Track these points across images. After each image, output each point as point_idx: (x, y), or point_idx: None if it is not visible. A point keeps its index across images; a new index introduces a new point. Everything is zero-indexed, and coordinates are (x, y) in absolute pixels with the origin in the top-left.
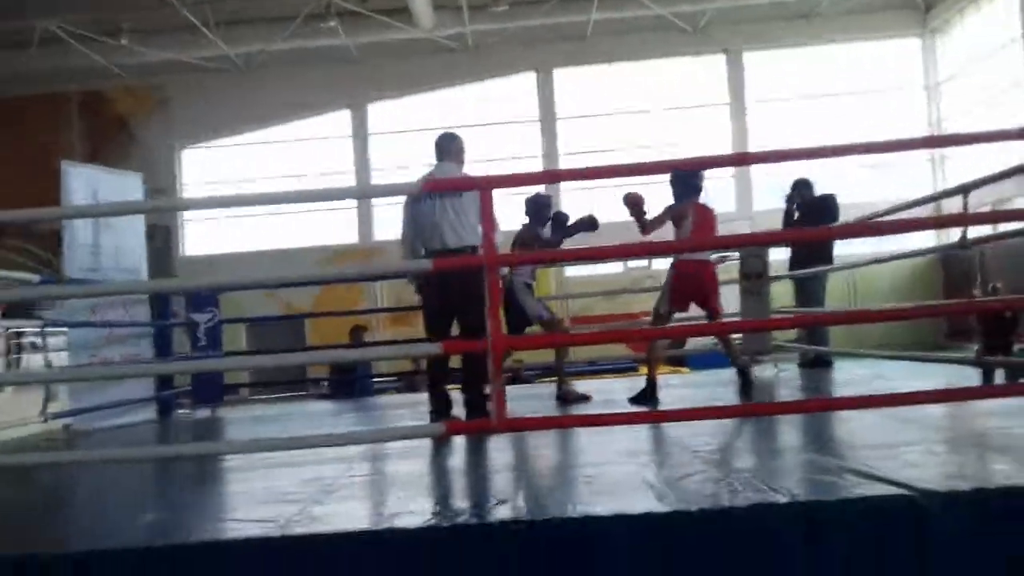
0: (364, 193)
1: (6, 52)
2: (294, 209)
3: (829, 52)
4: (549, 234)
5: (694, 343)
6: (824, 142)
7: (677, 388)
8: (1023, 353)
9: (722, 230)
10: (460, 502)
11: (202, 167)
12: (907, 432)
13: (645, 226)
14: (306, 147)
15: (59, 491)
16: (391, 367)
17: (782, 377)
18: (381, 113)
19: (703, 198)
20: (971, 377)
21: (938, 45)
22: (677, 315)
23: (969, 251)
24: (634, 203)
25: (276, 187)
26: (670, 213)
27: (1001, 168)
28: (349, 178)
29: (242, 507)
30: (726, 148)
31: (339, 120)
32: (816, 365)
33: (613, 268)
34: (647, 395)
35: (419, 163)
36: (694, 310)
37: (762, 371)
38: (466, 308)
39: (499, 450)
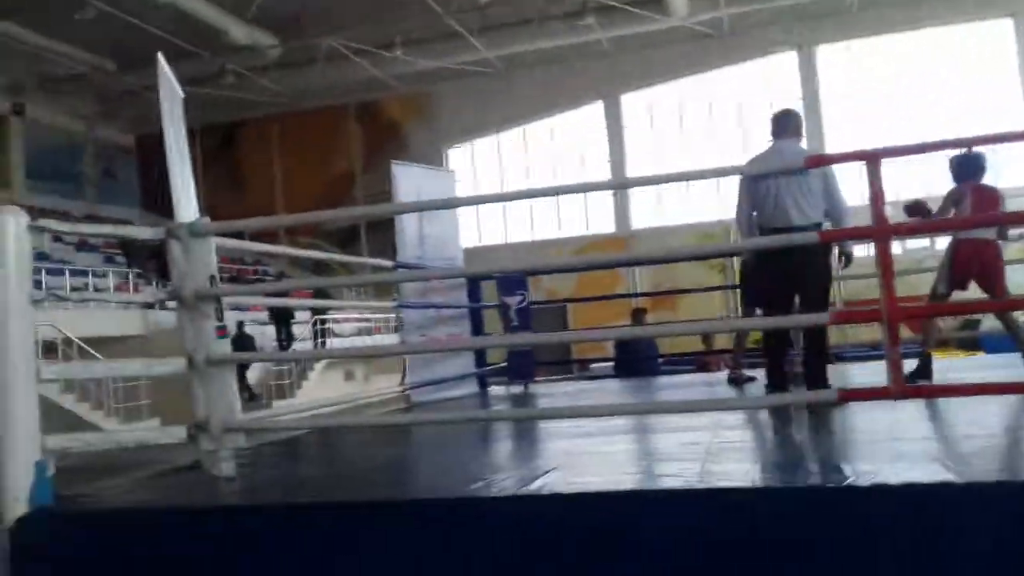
0: (688, 176)
1: (294, 70)
2: (550, 202)
3: None
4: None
5: (991, 325)
6: None
7: (969, 370)
8: None
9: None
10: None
11: (467, 164)
12: None
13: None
14: (561, 141)
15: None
16: (671, 349)
17: None
18: (634, 103)
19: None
20: None
21: None
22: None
23: None
24: (917, 212)
25: (534, 181)
26: (950, 200)
27: None
28: (604, 170)
29: (651, 462)
30: (1018, 118)
31: (593, 113)
32: None
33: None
34: (921, 373)
35: (672, 152)
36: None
37: None
38: (810, 283)
39: (848, 421)
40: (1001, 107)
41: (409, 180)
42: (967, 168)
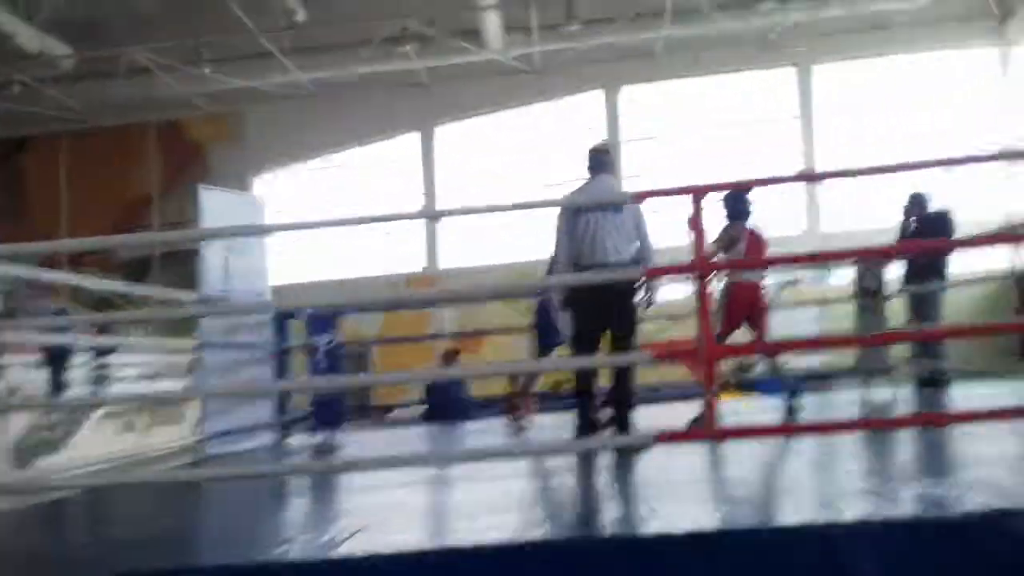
0: (518, 206)
1: (90, 83)
2: (361, 237)
3: (902, 63)
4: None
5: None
6: (900, 156)
7: (754, 413)
8: None
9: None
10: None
11: (275, 193)
12: None
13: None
14: (376, 171)
15: (187, 507)
16: (483, 391)
17: (899, 396)
18: (448, 136)
19: (751, 223)
20: None
21: (1014, 55)
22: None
23: None
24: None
25: (346, 212)
26: (725, 237)
27: None
28: (417, 202)
29: (464, 516)
30: (796, 162)
31: (408, 144)
32: (932, 384)
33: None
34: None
35: (485, 185)
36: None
37: (879, 391)
38: (624, 321)
39: (648, 464)
40: (785, 150)
41: (216, 206)
42: (742, 208)
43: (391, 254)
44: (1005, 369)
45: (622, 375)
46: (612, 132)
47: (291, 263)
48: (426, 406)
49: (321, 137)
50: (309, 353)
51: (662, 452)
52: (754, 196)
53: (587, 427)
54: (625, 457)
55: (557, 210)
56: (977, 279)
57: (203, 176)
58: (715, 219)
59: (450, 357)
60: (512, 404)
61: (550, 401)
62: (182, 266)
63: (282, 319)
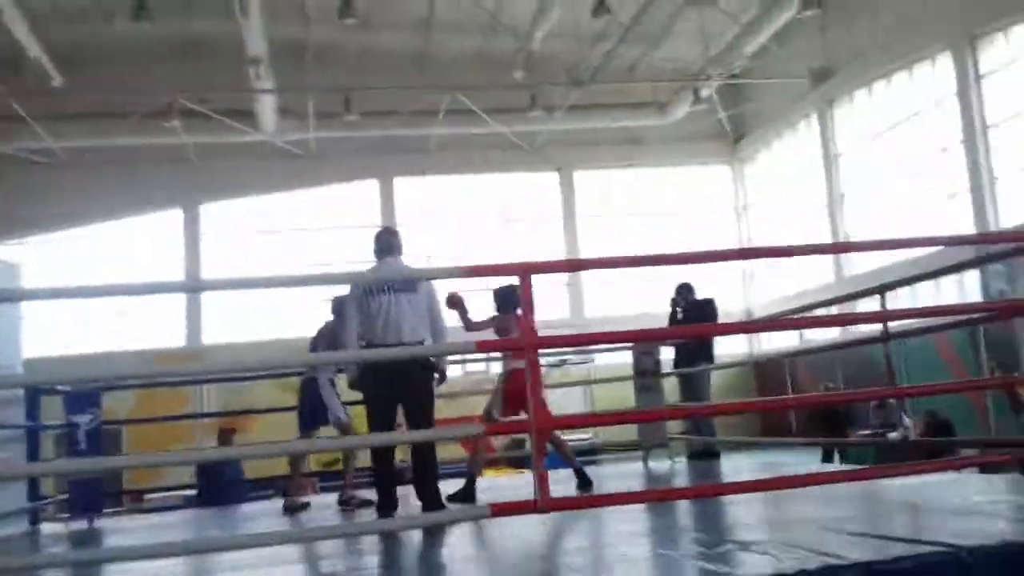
0: (305, 281)
1: None
2: (119, 311)
3: (653, 174)
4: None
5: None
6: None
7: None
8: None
9: (555, 332)
10: None
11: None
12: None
13: (469, 324)
14: (135, 246)
15: None
16: (257, 472)
17: (678, 468)
18: (215, 214)
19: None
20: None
21: (746, 172)
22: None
23: (779, 359)
24: (455, 303)
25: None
26: (495, 323)
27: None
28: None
29: None
30: (560, 256)
31: (171, 219)
32: (704, 456)
33: (451, 371)
34: (464, 495)
35: (252, 264)
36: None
37: (659, 462)
38: (417, 398)
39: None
40: (549, 245)
41: None
42: (512, 299)
43: (146, 329)
44: (754, 442)
45: (423, 453)
46: (387, 221)
47: (37, 334)
48: (196, 489)
49: (74, 207)
50: (68, 433)
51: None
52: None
53: (389, 505)
54: (432, 535)
55: (343, 291)
56: (725, 364)
57: None
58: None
59: (225, 436)
60: (289, 485)
61: (327, 480)
62: None
63: (36, 395)
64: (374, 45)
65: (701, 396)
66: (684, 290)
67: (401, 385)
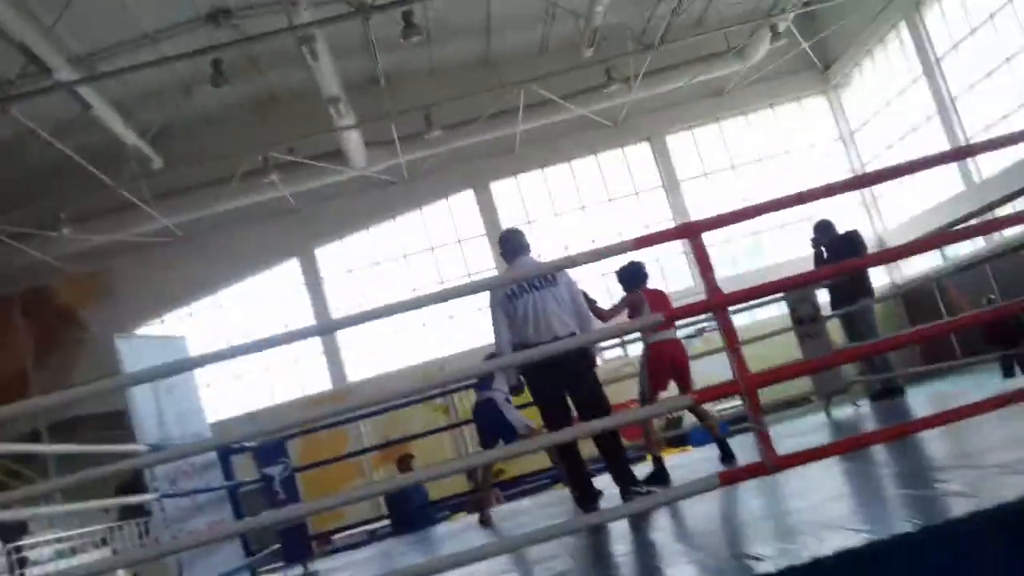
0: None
1: None
2: (264, 366)
3: (744, 121)
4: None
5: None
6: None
7: (697, 463)
8: None
9: (681, 303)
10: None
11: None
12: None
13: (601, 314)
14: (261, 302)
15: None
16: (438, 493)
17: (861, 412)
18: (329, 255)
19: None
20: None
21: (843, 98)
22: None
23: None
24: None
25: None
26: (625, 303)
27: None
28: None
29: None
30: (667, 226)
31: (289, 270)
32: (887, 395)
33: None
34: (658, 477)
35: (373, 296)
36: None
37: (840, 410)
38: (587, 388)
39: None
40: (655, 217)
41: (137, 353)
42: (636, 276)
43: (295, 379)
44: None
45: (608, 438)
46: (490, 227)
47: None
48: (390, 518)
49: (195, 278)
50: (265, 486)
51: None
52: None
53: (588, 496)
54: (639, 520)
55: (486, 302)
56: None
57: (79, 339)
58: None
59: (405, 463)
60: (482, 500)
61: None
62: (71, 433)
63: (227, 456)
64: (442, 58)
65: (869, 334)
66: (824, 228)
67: (569, 379)
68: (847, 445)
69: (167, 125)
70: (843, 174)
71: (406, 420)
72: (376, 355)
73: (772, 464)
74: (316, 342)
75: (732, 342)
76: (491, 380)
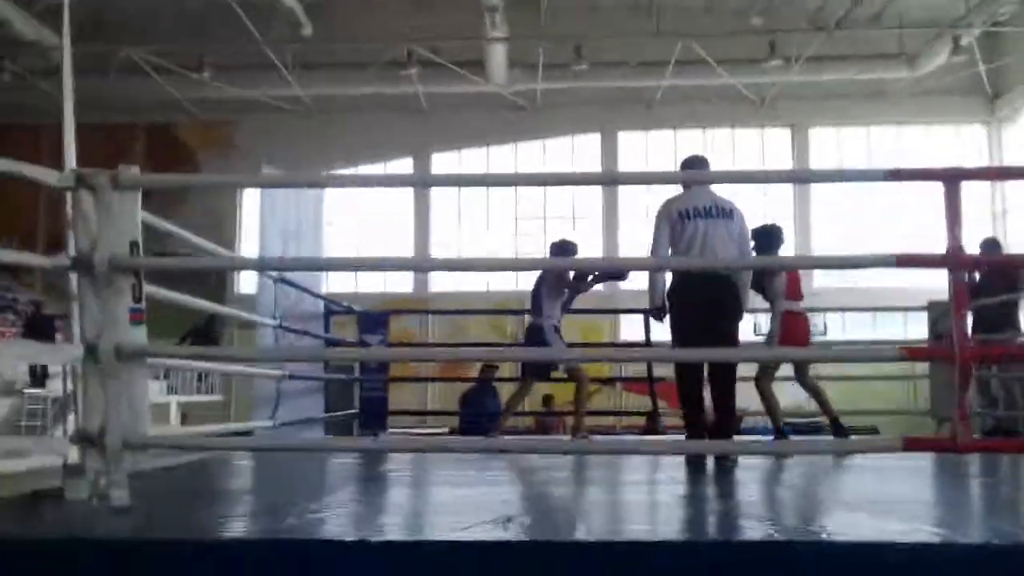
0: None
1: (81, 78)
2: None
3: (895, 133)
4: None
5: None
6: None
7: None
8: None
9: None
10: None
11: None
12: None
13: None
14: (367, 193)
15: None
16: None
17: None
18: (443, 164)
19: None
20: None
21: (1004, 133)
22: None
23: None
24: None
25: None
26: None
27: None
28: (408, 225)
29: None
30: (787, 222)
31: (402, 168)
32: (998, 433)
33: None
34: (840, 427)
35: (475, 215)
36: None
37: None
38: (727, 322)
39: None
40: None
41: (279, 190)
42: (775, 239)
43: (378, 276)
44: None
45: (726, 379)
46: (609, 175)
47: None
48: (460, 421)
49: (312, 154)
50: (361, 347)
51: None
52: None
53: (701, 428)
54: (725, 469)
55: (656, 215)
56: None
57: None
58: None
59: (488, 371)
60: (577, 422)
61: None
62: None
63: (329, 315)
64: None
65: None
66: (990, 245)
67: (716, 319)
68: None
69: None
70: (984, 208)
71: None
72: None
73: (965, 444)
74: (408, 245)
75: (961, 304)
76: (544, 304)
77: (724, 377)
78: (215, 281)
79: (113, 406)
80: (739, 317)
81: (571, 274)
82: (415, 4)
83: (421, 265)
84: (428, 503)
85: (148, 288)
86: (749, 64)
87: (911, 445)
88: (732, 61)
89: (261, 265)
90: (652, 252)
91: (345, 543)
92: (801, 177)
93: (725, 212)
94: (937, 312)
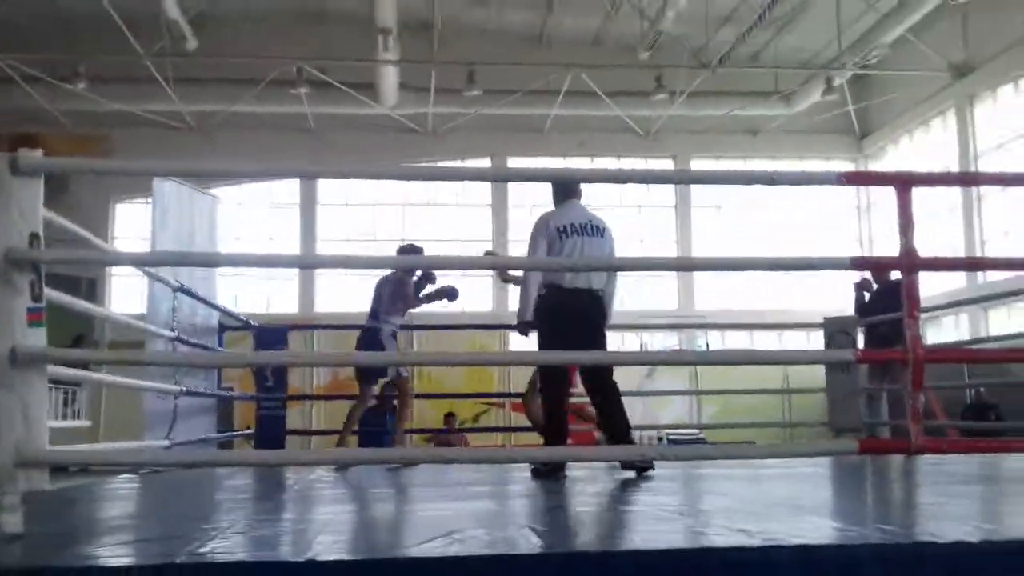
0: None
1: None
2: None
3: (771, 166)
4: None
5: None
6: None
7: None
8: None
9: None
10: None
11: (136, 223)
12: None
13: None
14: (251, 212)
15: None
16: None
17: None
18: (330, 185)
19: None
20: None
21: (871, 168)
22: None
23: None
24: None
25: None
26: None
27: None
28: (294, 247)
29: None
30: (671, 248)
31: (288, 188)
32: None
33: None
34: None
35: (362, 236)
36: None
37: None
38: (603, 338)
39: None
40: (661, 237)
41: (172, 196)
42: None
43: (262, 296)
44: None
45: (613, 390)
46: (498, 200)
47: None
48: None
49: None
50: (256, 370)
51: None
52: None
53: (558, 466)
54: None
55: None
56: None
57: (60, 197)
58: None
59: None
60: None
61: None
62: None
63: (223, 331)
64: (499, 21)
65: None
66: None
67: (588, 335)
68: (995, 445)
69: (211, 9)
70: (850, 243)
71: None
72: (344, 292)
73: (918, 446)
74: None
75: (914, 308)
76: (384, 308)
77: (608, 389)
78: (85, 294)
79: (5, 418)
80: (604, 331)
81: (411, 287)
82: (306, 23)
83: (306, 262)
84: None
85: None
86: (636, 97)
87: (866, 448)
88: (620, 93)
89: (179, 260)
90: (527, 267)
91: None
92: (760, 179)
93: (599, 230)
94: (833, 328)
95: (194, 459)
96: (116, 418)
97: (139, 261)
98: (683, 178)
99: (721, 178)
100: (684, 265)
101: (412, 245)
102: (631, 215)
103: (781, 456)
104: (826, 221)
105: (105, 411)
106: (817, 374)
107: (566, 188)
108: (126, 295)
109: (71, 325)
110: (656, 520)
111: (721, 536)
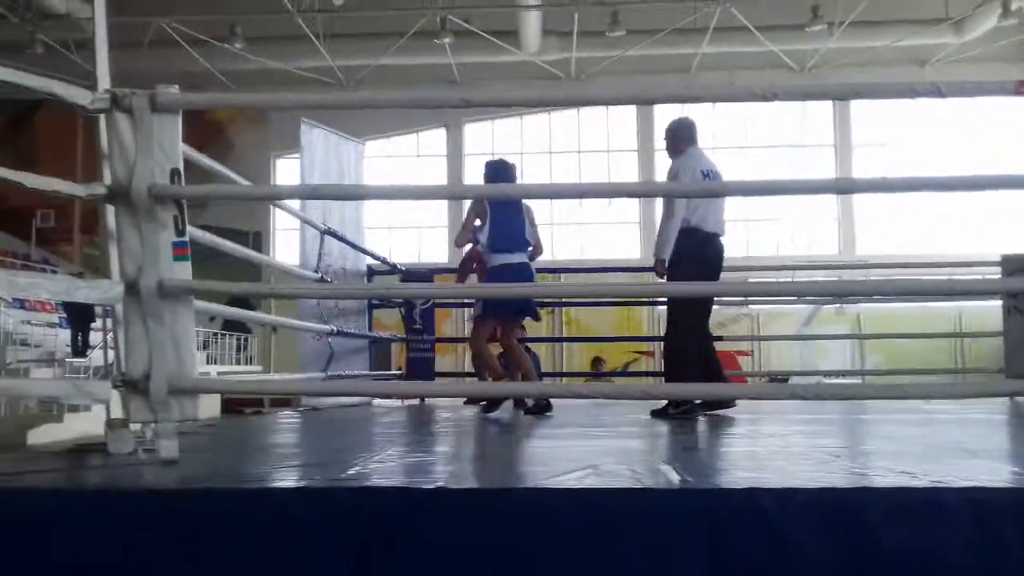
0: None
1: (114, 49)
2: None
3: (938, 101)
4: None
5: None
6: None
7: None
8: None
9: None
10: None
11: (297, 177)
12: None
13: None
14: (400, 163)
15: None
16: None
17: None
18: (475, 134)
19: None
20: None
21: None
22: None
23: None
24: None
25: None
26: None
27: None
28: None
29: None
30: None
31: (434, 138)
32: None
33: None
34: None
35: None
36: None
37: None
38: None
39: None
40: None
41: (319, 144)
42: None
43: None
44: None
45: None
46: (644, 146)
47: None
48: None
49: (344, 125)
50: (406, 311)
51: None
52: None
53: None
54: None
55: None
56: None
57: (225, 153)
58: None
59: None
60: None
61: None
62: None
63: (372, 275)
64: None
65: None
66: None
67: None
68: None
69: None
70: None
71: None
72: None
73: None
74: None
75: None
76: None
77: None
78: (252, 246)
79: (157, 348)
80: None
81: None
82: None
83: (455, 192)
84: (490, 454)
85: (192, 233)
86: (790, 30)
87: None
88: (772, 27)
89: (309, 193)
90: (670, 206)
91: (405, 490)
92: (926, 91)
93: (719, 176)
94: (1013, 266)
95: (339, 388)
96: (285, 364)
97: (280, 195)
98: (840, 92)
99: (880, 91)
100: (844, 187)
101: (502, 160)
102: (787, 155)
103: (931, 397)
104: (1007, 162)
105: (275, 357)
106: (994, 317)
107: (691, 134)
108: (291, 249)
109: (241, 276)
110: (813, 462)
111: (883, 477)
